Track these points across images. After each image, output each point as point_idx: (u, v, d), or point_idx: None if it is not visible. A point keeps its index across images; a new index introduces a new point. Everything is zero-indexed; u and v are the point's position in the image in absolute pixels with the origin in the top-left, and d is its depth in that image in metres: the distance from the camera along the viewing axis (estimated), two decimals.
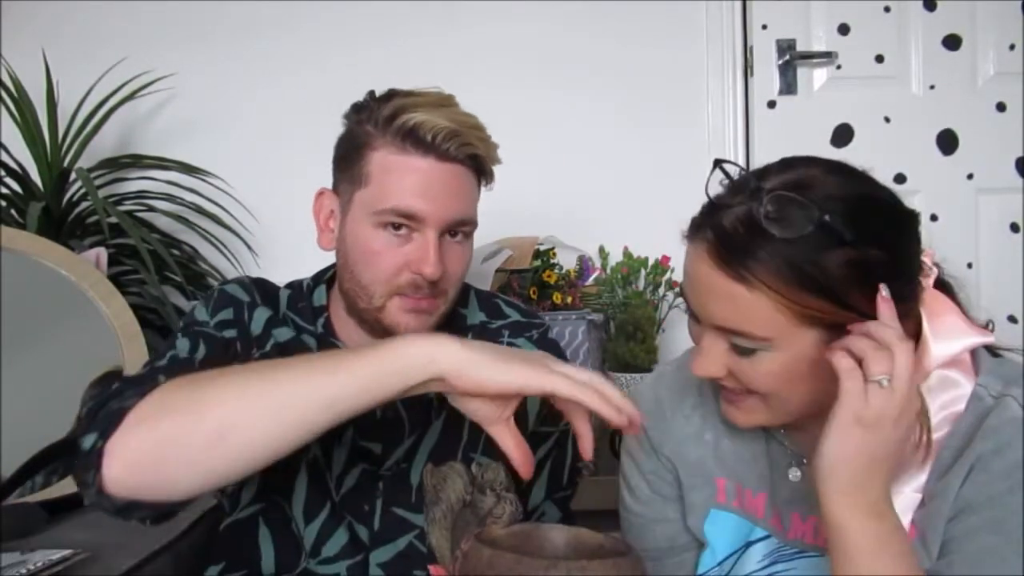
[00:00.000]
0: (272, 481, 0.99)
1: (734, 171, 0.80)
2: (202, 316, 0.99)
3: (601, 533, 0.76)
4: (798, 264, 0.72)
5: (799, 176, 0.76)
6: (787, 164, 0.79)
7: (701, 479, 0.94)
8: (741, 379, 0.79)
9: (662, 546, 0.97)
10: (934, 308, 0.80)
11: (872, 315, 0.73)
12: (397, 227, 0.94)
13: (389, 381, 0.74)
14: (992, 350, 0.85)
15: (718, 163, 0.81)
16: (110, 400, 0.78)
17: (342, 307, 1.02)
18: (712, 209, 0.78)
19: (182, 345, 0.94)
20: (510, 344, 1.06)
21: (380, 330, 0.98)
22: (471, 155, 0.96)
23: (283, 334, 1.02)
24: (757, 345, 0.76)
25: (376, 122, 0.95)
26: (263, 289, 1.05)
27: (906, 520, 0.78)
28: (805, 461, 0.88)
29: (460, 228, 0.98)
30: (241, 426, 0.73)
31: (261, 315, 1.01)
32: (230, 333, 0.98)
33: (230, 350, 0.97)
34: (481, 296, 1.12)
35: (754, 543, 0.90)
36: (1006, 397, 0.77)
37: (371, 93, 1.00)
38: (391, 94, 0.98)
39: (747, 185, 0.76)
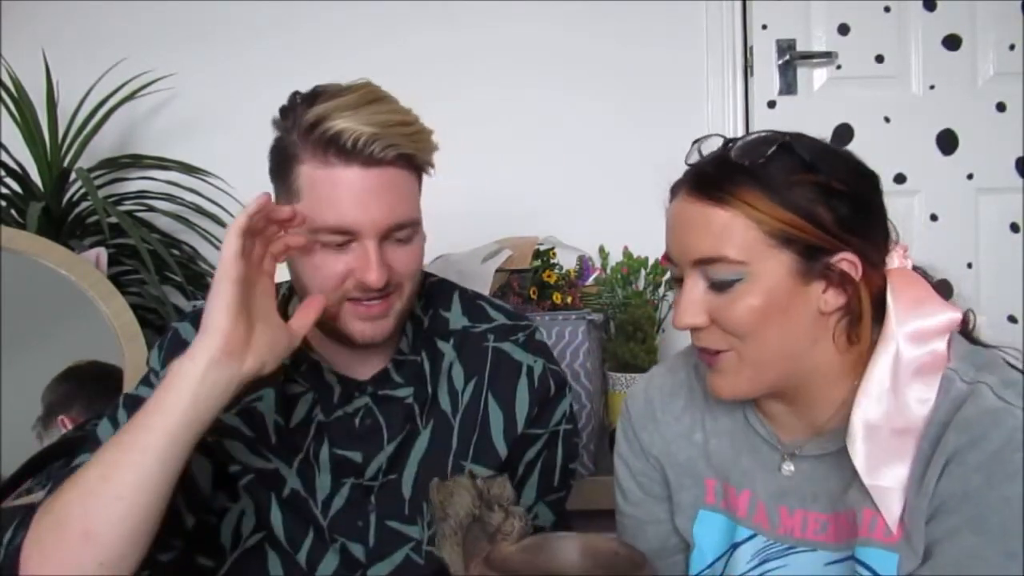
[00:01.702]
0: (262, 512, 1.00)
1: (713, 143, 0.87)
2: (155, 363, 1.03)
3: (614, 539, 0.75)
4: (768, 182, 0.79)
5: (765, 132, 0.84)
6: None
7: (690, 480, 0.95)
8: (721, 322, 0.81)
9: (655, 547, 0.98)
10: (902, 281, 0.82)
11: (839, 238, 0.79)
12: (337, 242, 0.91)
13: (196, 406, 0.82)
14: (974, 341, 0.86)
15: (696, 142, 0.87)
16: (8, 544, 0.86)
17: None
18: (688, 168, 0.85)
19: (106, 430, 0.98)
20: (495, 348, 1.05)
21: (340, 336, 0.97)
22: (399, 155, 0.91)
23: None
24: (734, 273, 0.79)
25: (299, 131, 0.91)
26: None
27: (894, 517, 0.78)
28: (797, 452, 0.88)
29: (400, 230, 0.94)
30: (114, 522, 0.80)
31: None
32: None
33: None
34: (465, 298, 1.09)
35: (740, 544, 0.90)
36: (980, 384, 0.77)
37: (295, 95, 0.95)
38: (314, 96, 0.93)
39: (719, 147, 0.85)
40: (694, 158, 0.86)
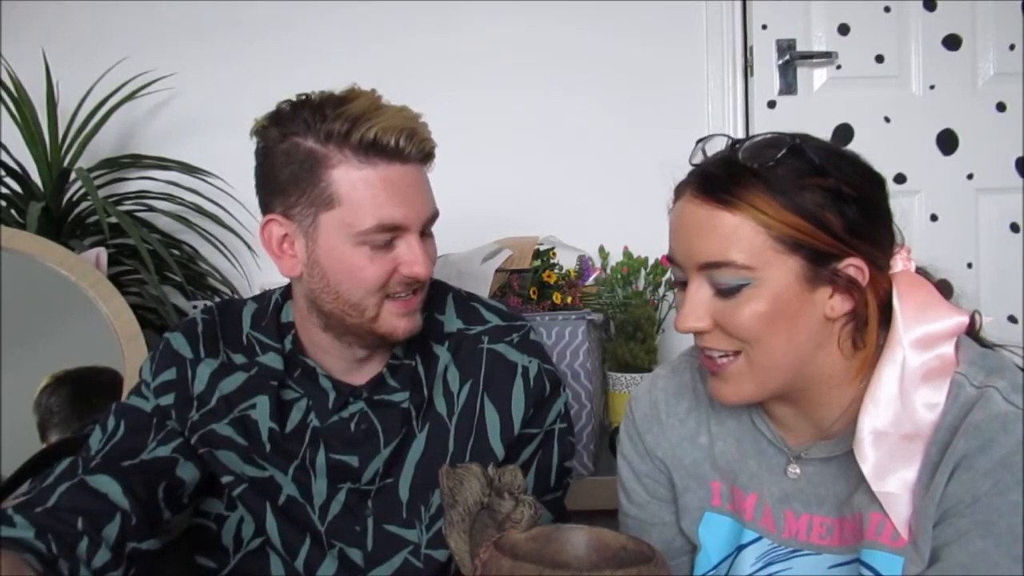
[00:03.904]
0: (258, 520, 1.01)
1: (717, 143, 0.85)
2: (146, 374, 1.03)
3: (623, 534, 0.75)
4: (777, 185, 0.77)
5: (772, 134, 0.82)
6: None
7: (695, 482, 0.95)
8: (726, 327, 0.80)
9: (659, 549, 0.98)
10: (908, 286, 0.82)
11: (848, 244, 0.78)
12: (384, 240, 0.93)
13: None
14: (981, 342, 0.85)
15: (700, 141, 0.85)
16: None
17: (312, 324, 1.00)
18: (694, 169, 0.84)
19: (96, 438, 0.98)
20: (490, 350, 1.05)
21: (373, 339, 0.98)
22: (429, 151, 0.95)
23: (230, 383, 1.01)
24: (741, 278, 0.78)
25: (328, 137, 0.91)
26: (217, 327, 1.05)
27: (902, 521, 0.77)
28: (803, 455, 0.88)
29: (431, 224, 0.98)
30: None
31: (205, 371, 1.01)
32: (166, 400, 1.00)
33: (154, 420, 1.00)
34: (459, 301, 1.10)
35: (745, 546, 0.90)
36: (989, 388, 0.76)
37: (288, 104, 0.95)
38: (322, 103, 0.93)
39: (725, 147, 0.83)
40: (698, 158, 0.84)
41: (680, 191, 0.83)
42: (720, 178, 0.79)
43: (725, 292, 0.79)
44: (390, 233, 0.93)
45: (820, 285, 0.79)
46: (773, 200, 0.77)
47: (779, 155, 0.78)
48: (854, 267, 0.79)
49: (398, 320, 0.96)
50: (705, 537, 0.93)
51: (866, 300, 0.80)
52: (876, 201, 0.82)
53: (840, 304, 0.80)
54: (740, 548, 0.90)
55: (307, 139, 0.92)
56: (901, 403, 0.78)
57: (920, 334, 0.79)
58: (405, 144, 0.91)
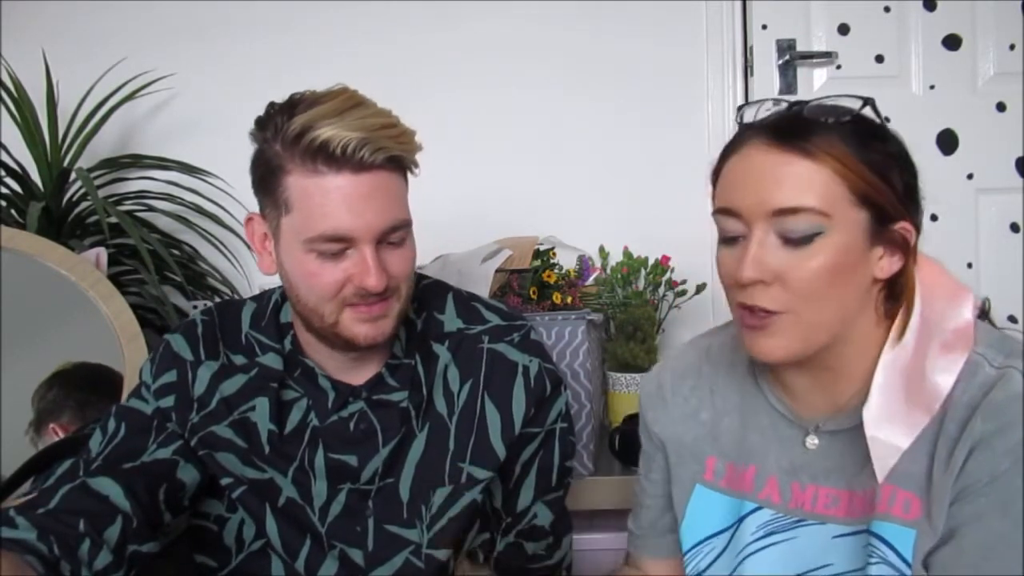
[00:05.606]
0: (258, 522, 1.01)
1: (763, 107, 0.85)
2: (147, 376, 1.03)
3: None
4: (852, 140, 0.79)
5: (837, 95, 0.84)
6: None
7: (691, 457, 0.97)
8: (788, 280, 0.79)
9: (646, 522, 1.03)
10: (926, 268, 0.84)
11: (905, 207, 0.81)
12: (333, 251, 0.91)
13: None
14: (992, 325, 0.88)
15: (743, 107, 0.86)
16: None
17: (299, 324, 1.01)
18: (751, 123, 0.83)
19: (96, 440, 0.98)
20: (490, 350, 1.05)
21: (340, 344, 0.97)
22: (388, 158, 0.91)
23: (231, 386, 1.02)
24: (814, 226, 0.78)
25: (284, 142, 0.90)
26: (216, 328, 1.05)
27: (885, 468, 0.79)
28: (820, 427, 0.88)
29: (394, 233, 0.94)
30: None
31: (205, 373, 1.02)
32: (167, 402, 1.00)
33: (154, 422, 1.00)
34: (460, 300, 1.10)
35: (745, 517, 0.91)
36: (1009, 369, 0.77)
37: (271, 105, 0.94)
38: (293, 105, 0.92)
39: (783, 107, 0.83)
40: (749, 116, 0.84)
41: (738, 143, 0.83)
42: (797, 128, 0.80)
43: (795, 242, 0.79)
44: (338, 243, 0.91)
45: (877, 244, 0.81)
46: (851, 153, 0.78)
47: (852, 116, 0.80)
48: (905, 230, 0.81)
49: (359, 326, 0.95)
50: (694, 510, 0.95)
51: (912, 262, 0.82)
52: (915, 174, 0.85)
53: (889, 265, 0.82)
54: (741, 520, 0.91)
55: (275, 143, 0.92)
56: (916, 360, 0.80)
57: (936, 305, 0.82)
58: (356, 152, 0.88)
